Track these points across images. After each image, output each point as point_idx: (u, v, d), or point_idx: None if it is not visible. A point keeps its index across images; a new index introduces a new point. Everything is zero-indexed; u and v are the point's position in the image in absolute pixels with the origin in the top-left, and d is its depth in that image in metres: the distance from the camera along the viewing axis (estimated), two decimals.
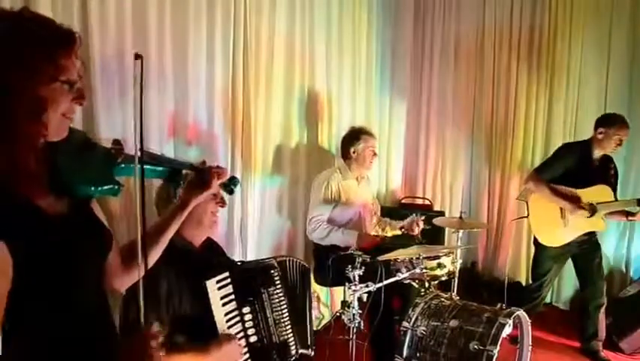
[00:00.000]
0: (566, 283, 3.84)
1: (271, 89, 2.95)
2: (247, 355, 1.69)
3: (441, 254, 2.58)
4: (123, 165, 1.00)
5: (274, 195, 3.10)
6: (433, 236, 3.37)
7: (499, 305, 2.32)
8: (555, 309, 3.88)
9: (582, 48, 3.73)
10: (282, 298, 1.84)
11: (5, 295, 0.84)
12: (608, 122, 2.94)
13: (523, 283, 3.88)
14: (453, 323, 2.22)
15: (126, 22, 2.07)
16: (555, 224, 3.00)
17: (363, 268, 2.23)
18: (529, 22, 3.90)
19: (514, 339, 2.51)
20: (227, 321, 1.65)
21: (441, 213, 3.99)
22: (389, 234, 3.17)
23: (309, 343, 2.03)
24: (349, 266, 2.20)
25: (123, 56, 2.05)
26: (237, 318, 1.69)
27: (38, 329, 0.92)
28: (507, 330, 2.15)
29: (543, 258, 3.12)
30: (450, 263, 2.63)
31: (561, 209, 2.98)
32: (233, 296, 1.68)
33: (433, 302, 2.38)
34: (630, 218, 2.97)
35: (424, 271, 2.49)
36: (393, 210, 3.99)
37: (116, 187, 0.99)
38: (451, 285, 2.79)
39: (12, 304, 0.85)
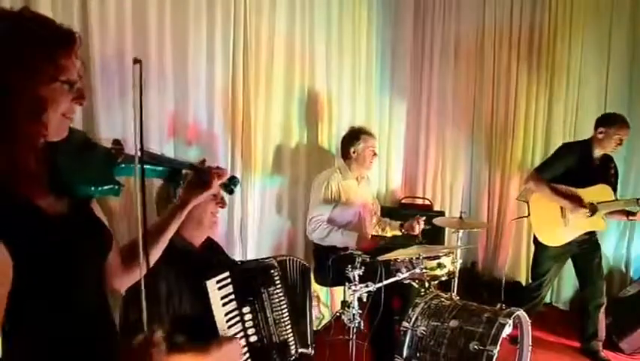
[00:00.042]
0: (565, 283, 3.84)
1: (271, 89, 2.95)
2: (247, 355, 1.69)
3: (441, 254, 2.59)
4: (123, 165, 1.00)
5: (274, 195, 3.10)
6: (433, 236, 3.37)
7: (499, 305, 2.32)
8: (555, 309, 3.88)
9: (582, 48, 3.73)
10: (282, 297, 1.84)
11: (5, 296, 0.84)
12: (609, 121, 2.94)
13: (523, 283, 3.88)
14: (453, 323, 2.22)
15: (126, 22, 2.07)
16: (556, 223, 3.00)
17: (363, 268, 2.23)
18: (529, 22, 3.90)
19: (514, 339, 2.51)
20: (228, 321, 1.65)
21: (441, 213, 3.99)
22: (389, 234, 3.18)
23: (309, 342, 2.03)
24: (349, 266, 2.21)
25: (123, 56, 2.05)
26: (237, 318, 1.69)
27: (38, 329, 0.92)
28: (507, 330, 2.15)
29: (543, 257, 3.12)
30: (450, 263, 2.63)
31: (562, 208, 2.98)
32: (233, 296, 1.68)
33: (433, 302, 2.38)
34: (631, 218, 2.97)
35: (424, 271, 2.49)
36: (393, 211, 3.99)
37: (116, 187, 0.99)
38: (451, 285, 2.79)
39: (12, 304, 0.85)
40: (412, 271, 2.45)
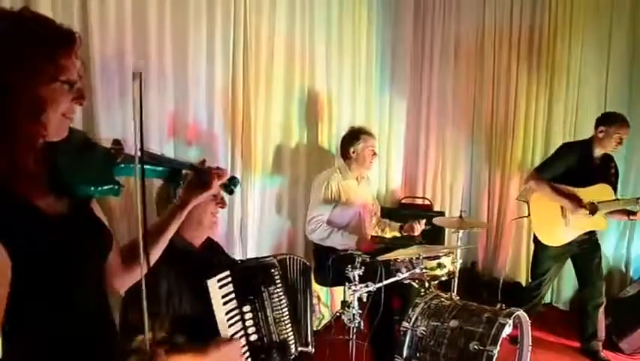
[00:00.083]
0: (565, 284, 3.84)
1: (271, 89, 2.94)
2: (247, 354, 1.68)
3: (441, 254, 2.59)
4: (123, 165, 1.00)
5: (274, 195, 3.10)
6: (433, 236, 3.37)
7: (499, 305, 2.32)
8: (555, 309, 3.89)
9: (582, 48, 3.73)
10: (282, 296, 1.84)
11: (5, 296, 0.84)
12: (609, 120, 2.94)
13: (523, 284, 3.88)
14: (453, 323, 2.22)
15: (126, 22, 2.07)
16: (556, 223, 3.00)
17: (363, 268, 2.23)
18: (529, 22, 3.90)
19: (514, 339, 2.51)
20: (228, 320, 1.65)
21: (441, 213, 3.99)
22: (388, 235, 3.18)
23: (309, 341, 2.03)
24: (349, 266, 2.21)
25: (123, 56, 2.06)
26: (238, 317, 1.68)
27: (38, 330, 0.92)
28: (507, 330, 2.15)
29: (543, 257, 3.12)
30: (450, 263, 2.63)
31: (562, 208, 2.98)
32: (233, 295, 1.67)
33: (433, 302, 2.38)
34: (632, 217, 2.97)
35: (424, 271, 2.49)
36: (393, 211, 3.99)
37: (116, 187, 0.98)
38: (451, 285, 2.79)
39: (12, 304, 0.85)
40: (412, 271, 2.45)
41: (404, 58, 4.35)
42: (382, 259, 2.32)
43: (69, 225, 0.96)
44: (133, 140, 0.91)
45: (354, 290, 2.20)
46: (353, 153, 3.00)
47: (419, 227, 2.94)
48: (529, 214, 3.14)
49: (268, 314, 1.78)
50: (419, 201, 4.38)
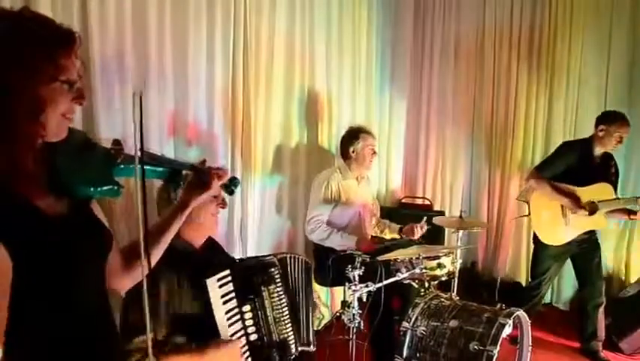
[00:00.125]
0: (565, 284, 3.84)
1: (271, 89, 2.94)
2: (247, 353, 1.68)
3: (441, 254, 2.58)
4: (123, 166, 1.00)
5: (274, 195, 3.10)
6: (433, 236, 3.37)
7: (499, 305, 2.32)
8: (555, 309, 3.89)
9: (582, 48, 3.73)
10: (282, 296, 1.84)
11: (6, 307, 0.83)
12: (609, 119, 2.94)
13: (523, 284, 3.88)
14: (453, 323, 2.22)
15: (126, 22, 2.07)
16: (556, 222, 3.00)
17: (363, 268, 2.23)
18: (529, 22, 3.90)
19: (514, 339, 2.51)
20: (228, 320, 1.64)
21: (441, 213, 3.99)
22: (387, 237, 3.17)
23: (310, 340, 2.02)
24: (349, 266, 2.21)
25: (123, 56, 2.06)
26: (238, 316, 1.68)
27: (38, 330, 0.92)
28: (507, 330, 2.15)
29: (543, 257, 3.12)
30: (450, 263, 2.62)
31: (562, 207, 2.98)
32: (233, 294, 1.67)
33: (432, 302, 2.38)
34: (632, 217, 2.96)
35: (424, 271, 2.48)
36: (393, 210, 3.99)
37: (116, 188, 0.98)
38: (450, 285, 2.79)
39: (12, 304, 0.85)
40: (412, 271, 2.45)
41: (404, 57, 4.35)
42: (382, 259, 2.32)
43: (69, 225, 0.96)
44: (133, 140, 0.91)
45: (354, 290, 2.20)
46: (353, 152, 2.99)
47: (419, 231, 2.93)
48: (529, 213, 3.14)
49: (268, 314, 1.78)
50: (419, 201, 4.38)
